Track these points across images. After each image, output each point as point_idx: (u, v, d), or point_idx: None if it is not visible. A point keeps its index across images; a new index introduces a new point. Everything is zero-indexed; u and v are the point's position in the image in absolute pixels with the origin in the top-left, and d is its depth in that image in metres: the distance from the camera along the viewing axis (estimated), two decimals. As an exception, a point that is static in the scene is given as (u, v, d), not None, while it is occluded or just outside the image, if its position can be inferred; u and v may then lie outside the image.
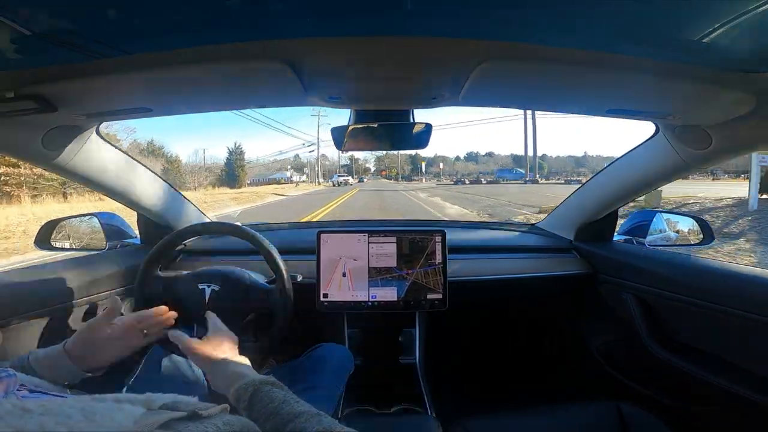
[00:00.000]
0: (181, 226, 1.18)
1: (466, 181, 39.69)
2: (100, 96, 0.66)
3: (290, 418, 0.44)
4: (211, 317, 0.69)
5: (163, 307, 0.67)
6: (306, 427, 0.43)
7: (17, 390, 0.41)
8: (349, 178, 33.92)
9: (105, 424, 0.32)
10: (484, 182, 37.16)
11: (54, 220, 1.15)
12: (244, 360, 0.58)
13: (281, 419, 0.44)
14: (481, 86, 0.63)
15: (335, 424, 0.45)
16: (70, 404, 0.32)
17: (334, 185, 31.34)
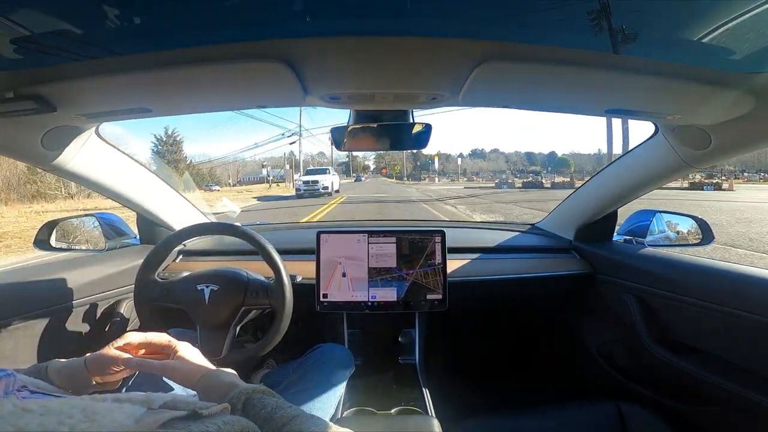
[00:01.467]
0: (180, 226, 1.17)
1: (518, 183, 26.05)
2: (100, 96, 0.66)
3: (285, 422, 0.44)
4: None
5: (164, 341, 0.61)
6: (302, 429, 0.43)
7: (18, 390, 0.41)
8: (326, 176, 17.05)
9: (106, 424, 0.31)
10: (547, 185, 23.95)
11: (53, 220, 1.15)
12: (229, 370, 0.57)
13: (276, 424, 0.44)
14: (481, 86, 0.63)
15: (330, 425, 0.45)
16: (71, 404, 0.32)
17: (298, 195, 16.15)
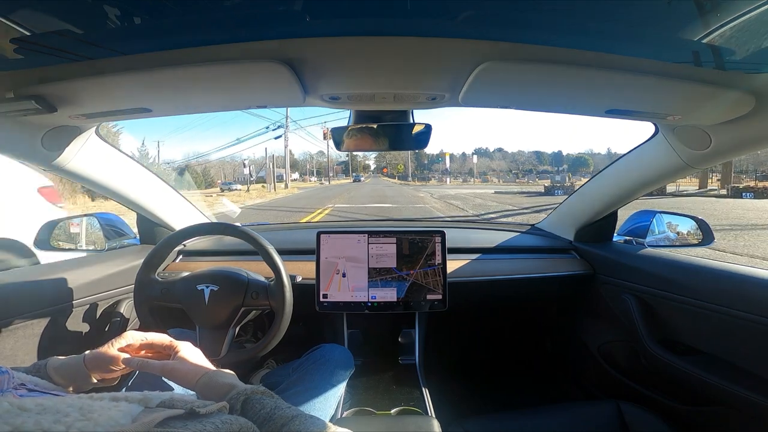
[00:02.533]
0: (180, 226, 1.17)
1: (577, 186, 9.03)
2: (100, 96, 0.66)
3: (284, 422, 0.44)
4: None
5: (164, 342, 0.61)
6: (301, 429, 0.43)
7: (16, 388, 0.41)
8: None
9: (102, 423, 0.31)
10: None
11: (53, 220, 1.15)
12: (228, 371, 0.57)
13: (275, 424, 0.44)
14: (480, 87, 0.63)
15: (329, 426, 0.45)
16: (68, 403, 0.32)
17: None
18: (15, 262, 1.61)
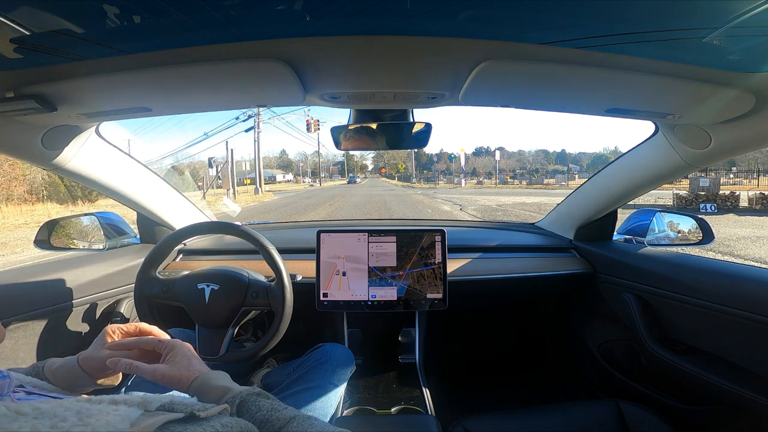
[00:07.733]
0: (181, 225, 1.17)
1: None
2: (100, 95, 0.66)
3: (282, 423, 0.44)
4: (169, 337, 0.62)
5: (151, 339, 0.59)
6: (299, 431, 0.42)
7: (14, 391, 0.41)
8: None
9: (100, 428, 0.31)
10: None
11: (53, 219, 1.15)
12: (222, 372, 0.55)
13: (273, 426, 0.43)
14: (480, 86, 0.63)
15: (327, 426, 0.44)
16: (65, 406, 0.32)
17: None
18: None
